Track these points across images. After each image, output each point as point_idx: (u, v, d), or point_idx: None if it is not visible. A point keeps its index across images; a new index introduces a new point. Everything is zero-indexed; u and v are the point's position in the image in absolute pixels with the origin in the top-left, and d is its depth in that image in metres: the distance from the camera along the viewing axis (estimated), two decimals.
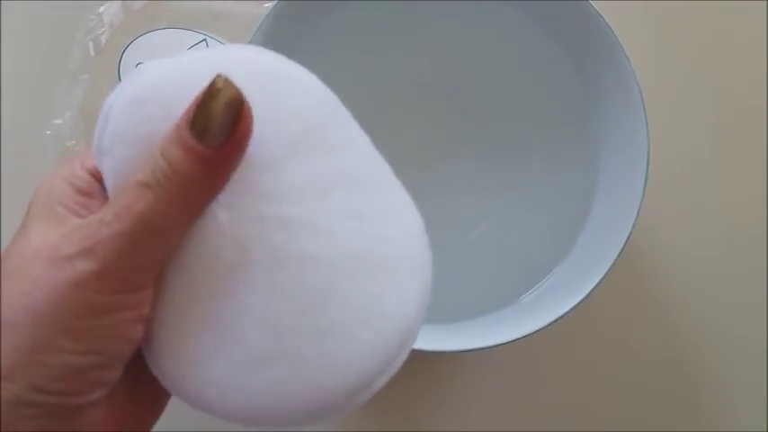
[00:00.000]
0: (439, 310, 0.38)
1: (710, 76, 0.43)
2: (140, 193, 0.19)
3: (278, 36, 0.34)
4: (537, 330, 0.31)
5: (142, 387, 0.22)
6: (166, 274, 0.20)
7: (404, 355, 0.21)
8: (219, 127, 0.19)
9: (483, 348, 0.32)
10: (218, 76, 0.19)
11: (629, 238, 0.33)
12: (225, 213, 0.20)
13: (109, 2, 0.42)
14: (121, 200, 0.19)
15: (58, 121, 0.42)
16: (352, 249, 0.21)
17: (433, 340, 0.33)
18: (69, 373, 0.19)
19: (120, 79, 0.41)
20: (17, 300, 0.19)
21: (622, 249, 0.33)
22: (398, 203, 0.22)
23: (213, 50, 0.22)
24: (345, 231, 0.21)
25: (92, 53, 0.42)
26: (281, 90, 0.21)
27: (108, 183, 0.21)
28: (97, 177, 0.22)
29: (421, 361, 0.40)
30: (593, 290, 0.32)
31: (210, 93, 0.19)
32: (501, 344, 0.31)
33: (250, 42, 0.33)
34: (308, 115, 0.21)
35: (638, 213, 0.33)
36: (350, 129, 0.22)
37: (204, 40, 0.41)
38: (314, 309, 0.20)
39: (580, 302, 0.32)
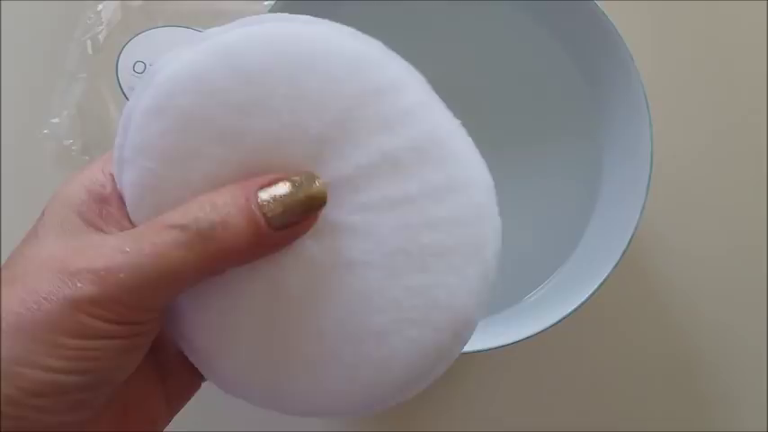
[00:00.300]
0: None
1: (715, 75, 0.43)
2: (173, 237, 0.18)
3: None
4: (541, 331, 0.31)
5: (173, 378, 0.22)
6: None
7: (461, 343, 0.21)
8: (292, 215, 0.18)
9: (487, 350, 0.31)
10: (306, 174, 0.19)
11: (632, 237, 0.33)
12: None
13: (107, 0, 0.42)
14: (149, 236, 0.18)
15: (56, 120, 0.42)
16: (395, 245, 0.19)
17: None
18: (49, 390, 0.18)
19: (117, 78, 0.40)
20: (12, 307, 0.18)
21: (626, 249, 0.32)
22: (456, 172, 0.20)
23: (228, 36, 0.20)
24: (385, 226, 0.19)
25: (90, 52, 0.42)
26: (302, 81, 0.19)
27: (127, 194, 0.20)
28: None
29: None
30: (597, 289, 0.32)
31: (294, 183, 0.18)
32: (505, 345, 0.31)
33: None
34: (335, 103, 0.19)
35: (641, 213, 0.33)
36: (401, 93, 0.20)
37: None
38: (355, 314, 0.19)
39: (584, 302, 0.32)
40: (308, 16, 0.20)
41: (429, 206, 0.20)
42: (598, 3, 0.34)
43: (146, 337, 0.19)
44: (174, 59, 0.19)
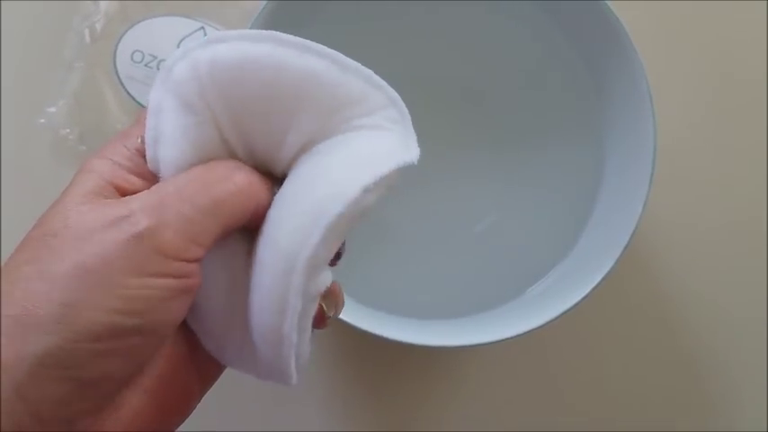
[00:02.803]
0: (444, 303, 0.38)
1: (719, 68, 0.43)
2: (230, 170, 0.21)
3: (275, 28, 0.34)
4: (543, 325, 0.31)
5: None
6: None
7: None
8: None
9: (489, 343, 0.31)
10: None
11: (635, 231, 0.32)
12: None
13: None
14: (196, 173, 0.20)
15: (53, 110, 0.41)
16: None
17: (437, 335, 0.32)
18: (106, 333, 0.18)
19: (115, 67, 0.40)
20: (65, 253, 0.18)
21: (629, 242, 0.32)
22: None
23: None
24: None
25: (87, 41, 0.41)
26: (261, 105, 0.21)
27: (163, 169, 0.21)
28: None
29: (425, 356, 0.40)
30: (599, 284, 0.32)
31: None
32: (507, 338, 0.31)
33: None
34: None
35: (644, 206, 0.33)
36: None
37: (202, 27, 0.40)
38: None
39: (586, 297, 0.32)
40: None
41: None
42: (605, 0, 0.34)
43: (193, 280, 0.20)
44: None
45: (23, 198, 0.41)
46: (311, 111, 0.21)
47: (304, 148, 0.22)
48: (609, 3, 0.33)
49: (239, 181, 0.21)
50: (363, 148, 0.21)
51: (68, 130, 0.41)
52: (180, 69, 0.21)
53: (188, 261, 0.19)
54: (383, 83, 0.22)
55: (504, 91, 0.39)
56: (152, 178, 0.22)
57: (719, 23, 0.44)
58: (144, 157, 0.22)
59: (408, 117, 0.22)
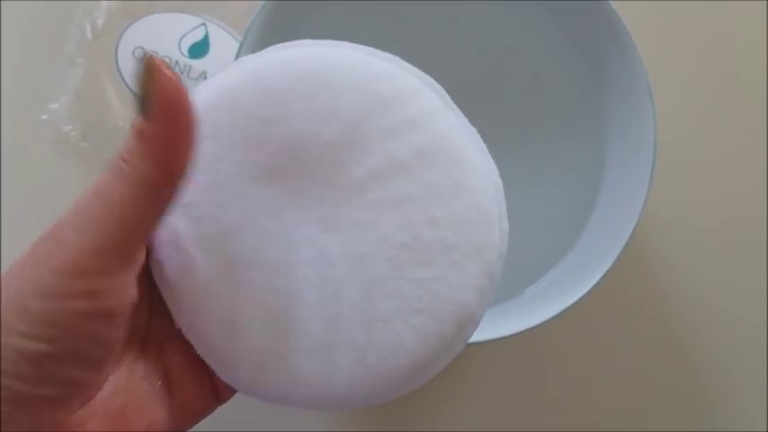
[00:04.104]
0: None
1: (719, 65, 0.43)
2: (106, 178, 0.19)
3: (272, 30, 0.34)
4: (542, 323, 0.31)
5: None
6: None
7: (465, 337, 0.22)
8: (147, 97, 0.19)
9: (487, 341, 0.31)
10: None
11: (634, 230, 0.32)
12: (270, 220, 0.21)
13: None
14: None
15: (54, 106, 0.41)
16: (399, 240, 0.21)
17: None
18: (19, 357, 0.17)
19: (117, 63, 0.40)
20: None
21: (628, 241, 0.32)
22: (461, 175, 0.22)
23: (257, 60, 0.22)
24: (390, 222, 0.21)
25: (89, 37, 0.42)
26: (316, 96, 0.21)
27: None
28: None
29: None
30: (598, 282, 0.32)
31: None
32: (505, 336, 0.31)
33: (244, 37, 0.33)
34: (344, 114, 0.21)
35: (644, 205, 0.33)
36: (408, 103, 0.22)
37: (204, 24, 0.40)
38: (364, 301, 0.21)
39: (585, 295, 0.32)
40: (333, 41, 0.23)
41: (431, 206, 0.21)
42: None
43: (111, 300, 0.19)
44: (210, 84, 0.22)
45: (25, 194, 0.41)
46: None
47: None
48: (610, 2, 0.33)
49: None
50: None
51: (70, 127, 0.41)
52: None
53: (102, 277, 0.18)
54: None
55: (504, 90, 0.39)
56: None
57: (720, 22, 0.43)
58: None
59: None
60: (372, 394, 0.21)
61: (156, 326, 0.22)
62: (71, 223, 0.18)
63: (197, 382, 0.22)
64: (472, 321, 0.22)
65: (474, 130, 0.23)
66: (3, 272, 0.19)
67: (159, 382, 0.22)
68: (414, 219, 0.21)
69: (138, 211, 0.19)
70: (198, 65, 0.40)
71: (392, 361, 0.21)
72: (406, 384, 0.22)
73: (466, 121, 0.23)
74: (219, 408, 0.24)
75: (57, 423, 0.19)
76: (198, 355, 0.22)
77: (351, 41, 0.23)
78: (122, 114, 0.41)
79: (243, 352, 0.21)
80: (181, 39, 0.40)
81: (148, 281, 0.22)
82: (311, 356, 0.21)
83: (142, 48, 0.40)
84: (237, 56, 0.33)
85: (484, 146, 0.23)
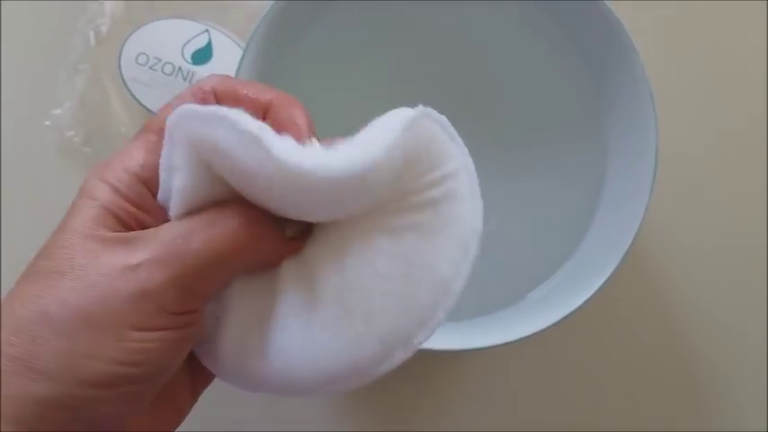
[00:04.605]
0: None
1: (721, 71, 0.43)
2: (227, 224, 0.20)
3: (276, 37, 0.34)
4: (544, 329, 0.31)
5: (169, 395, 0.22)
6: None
7: (442, 308, 0.22)
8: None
9: (489, 347, 0.31)
10: None
11: (636, 235, 0.32)
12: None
13: None
14: (203, 222, 0.20)
15: (58, 112, 0.42)
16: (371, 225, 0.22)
17: (437, 339, 0.32)
18: (112, 381, 0.18)
19: (120, 70, 0.40)
20: (71, 300, 0.19)
21: (630, 247, 0.32)
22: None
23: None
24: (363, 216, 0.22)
25: (92, 43, 0.42)
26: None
27: (175, 197, 0.21)
28: (148, 183, 0.21)
29: (425, 360, 0.40)
30: (600, 288, 0.32)
31: None
32: (507, 343, 0.31)
33: (248, 44, 0.33)
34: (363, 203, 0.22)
35: (645, 211, 0.33)
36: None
37: (207, 30, 0.40)
38: (337, 272, 0.21)
39: (587, 301, 0.32)
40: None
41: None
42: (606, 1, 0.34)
43: (195, 328, 0.20)
44: None
45: (28, 200, 0.41)
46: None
47: None
48: (609, 3, 0.33)
49: (248, 233, 0.20)
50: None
51: (73, 132, 0.41)
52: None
53: (190, 313, 0.20)
54: None
55: (506, 92, 0.39)
56: (152, 210, 0.21)
57: (722, 29, 0.43)
58: (143, 183, 0.21)
59: None
60: (353, 369, 0.21)
61: None
62: (181, 265, 0.20)
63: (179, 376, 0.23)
64: (448, 291, 0.22)
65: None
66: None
67: None
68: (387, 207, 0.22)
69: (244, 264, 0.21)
70: (201, 71, 0.40)
71: (365, 326, 0.21)
72: (384, 358, 0.21)
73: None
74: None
75: None
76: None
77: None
78: (125, 120, 0.42)
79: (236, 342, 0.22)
80: (184, 45, 0.40)
81: None
82: (299, 336, 0.21)
83: (146, 54, 0.40)
84: (240, 62, 0.33)
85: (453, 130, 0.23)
